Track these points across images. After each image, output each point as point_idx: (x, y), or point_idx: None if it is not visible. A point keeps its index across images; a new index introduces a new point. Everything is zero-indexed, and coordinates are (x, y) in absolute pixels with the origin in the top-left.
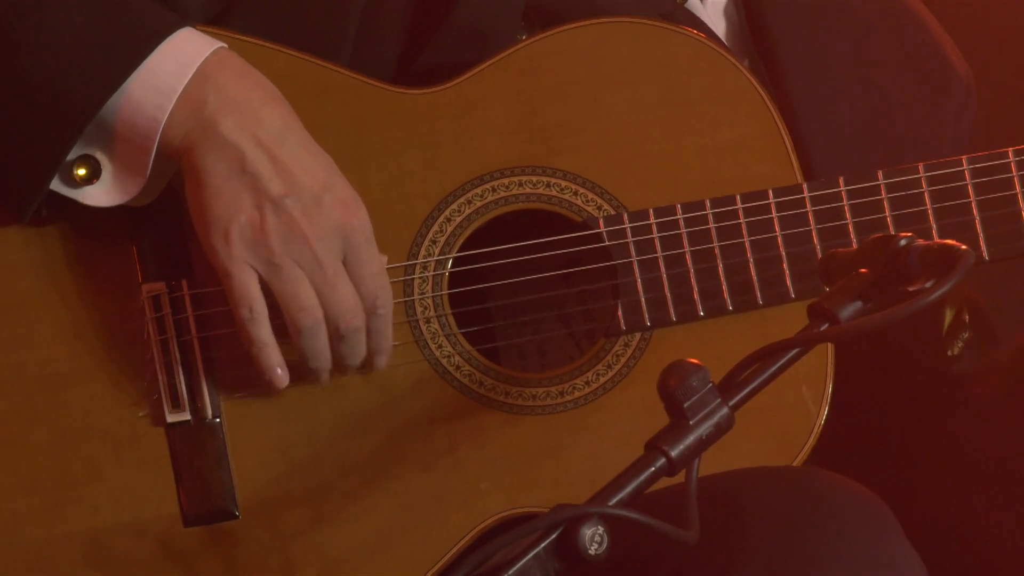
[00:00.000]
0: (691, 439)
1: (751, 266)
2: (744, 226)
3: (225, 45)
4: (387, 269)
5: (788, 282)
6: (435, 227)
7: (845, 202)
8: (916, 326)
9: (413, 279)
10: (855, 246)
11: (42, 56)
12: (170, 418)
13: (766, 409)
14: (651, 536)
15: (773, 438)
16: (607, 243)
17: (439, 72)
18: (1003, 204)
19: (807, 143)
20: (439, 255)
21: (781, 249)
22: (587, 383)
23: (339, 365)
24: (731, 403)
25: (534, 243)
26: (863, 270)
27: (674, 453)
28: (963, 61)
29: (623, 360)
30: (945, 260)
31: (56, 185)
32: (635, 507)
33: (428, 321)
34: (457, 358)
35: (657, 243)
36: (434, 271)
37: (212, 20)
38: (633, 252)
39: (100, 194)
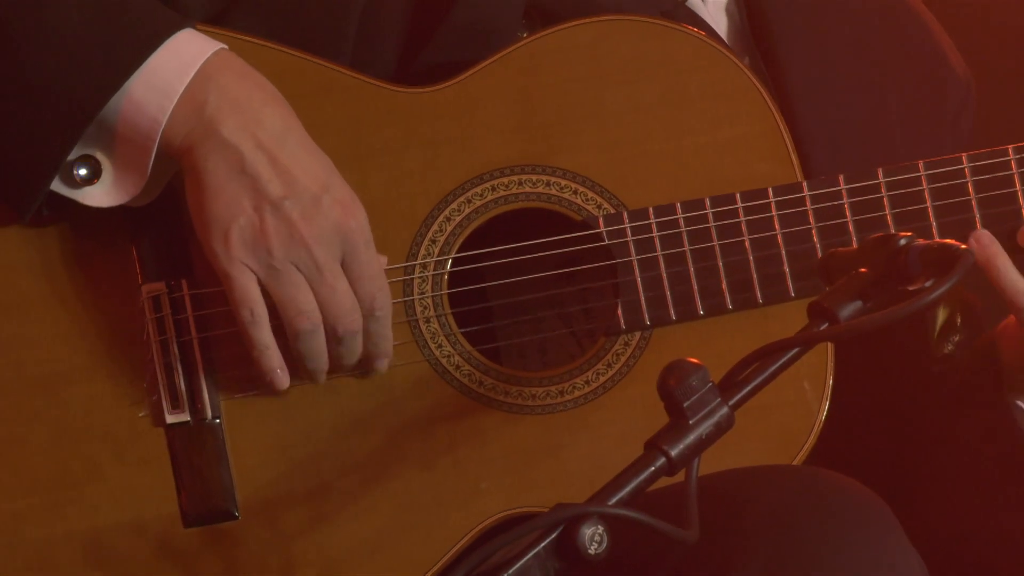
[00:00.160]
0: (691, 438)
1: (751, 264)
2: (744, 224)
3: (226, 46)
4: (387, 269)
5: (788, 280)
6: (435, 226)
7: (845, 200)
8: (916, 325)
9: (413, 279)
10: (855, 244)
11: (43, 56)
12: (170, 418)
13: (766, 408)
14: (651, 536)
15: (773, 437)
16: (607, 242)
17: (440, 71)
18: (1003, 202)
19: (806, 142)
20: (439, 254)
21: (781, 247)
22: (587, 382)
23: (336, 365)
24: (731, 402)
25: (534, 242)
26: (863, 269)
27: (674, 452)
28: (962, 62)
29: (623, 359)
30: (945, 259)
31: (56, 185)
32: (635, 506)
33: (428, 321)
34: (457, 358)
35: (657, 242)
36: (434, 271)
37: (212, 19)
38: (633, 251)
39: (100, 194)
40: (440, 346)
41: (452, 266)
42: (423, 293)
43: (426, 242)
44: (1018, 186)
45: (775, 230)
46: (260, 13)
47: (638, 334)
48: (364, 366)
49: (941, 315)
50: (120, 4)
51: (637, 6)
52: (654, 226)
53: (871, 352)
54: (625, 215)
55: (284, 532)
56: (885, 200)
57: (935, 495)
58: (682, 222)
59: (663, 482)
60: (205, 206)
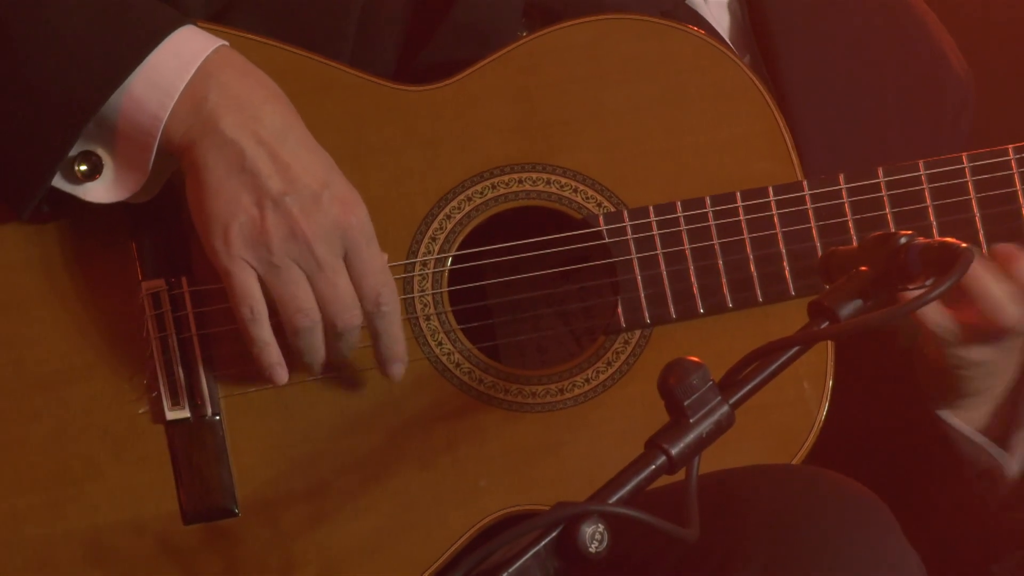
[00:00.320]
0: (691, 437)
1: (751, 263)
2: (744, 223)
3: (227, 43)
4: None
5: (788, 279)
6: (435, 224)
7: (845, 199)
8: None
9: (413, 276)
10: (855, 243)
11: (44, 53)
12: (170, 415)
13: (766, 407)
14: (651, 534)
15: (773, 436)
16: (607, 240)
17: (440, 69)
18: (1003, 201)
19: (805, 141)
20: (439, 252)
21: (781, 246)
22: (587, 380)
23: (335, 360)
24: (731, 401)
25: (534, 240)
26: (863, 268)
27: (674, 451)
28: (963, 62)
29: (623, 357)
30: (945, 258)
31: (57, 181)
32: (635, 505)
33: (428, 319)
34: (457, 356)
35: (657, 240)
36: (434, 268)
37: (213, 17)
38: (633, 249)
39: (101, 191)
40: (440, 344)
41: (452, 264)
42: (423, 291)
43: (426, 240)
44: (1018, 186)
45: (775, 229)
46: (260, 12)
47: (638, 332)
48: (380, 370)
49: None
50: (121, 2)
51: (637, 5)
52: (654, 224)
53: (871, 351)
54: (625, 213)
55: (284, 530)
56: (885, 199)
57: (934, 495)
58: (682, 220)
59: (663, 480)
60: (205, 203)
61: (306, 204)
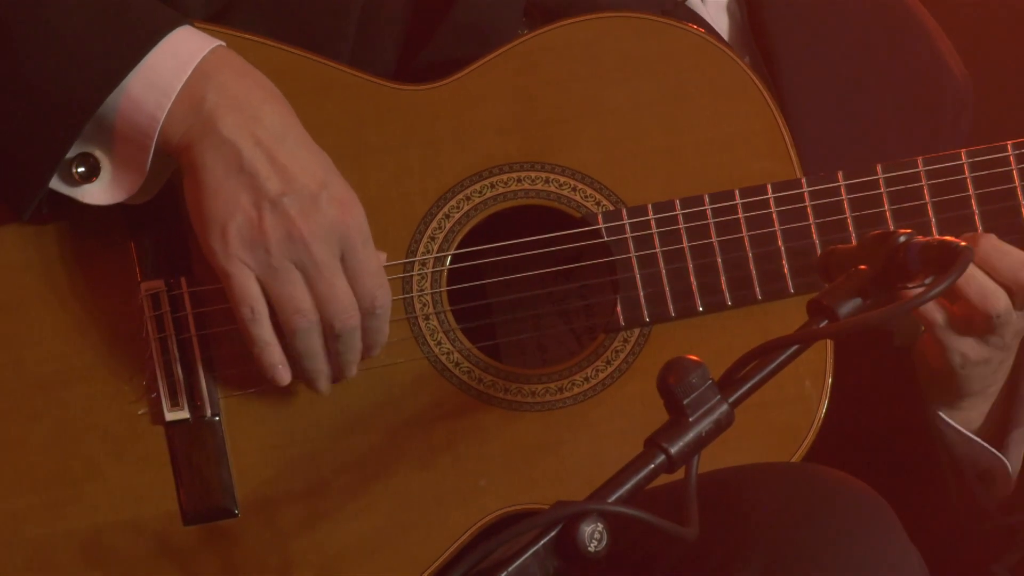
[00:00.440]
0: (690, 436)
1: (750, 261)
2: (743, 221)
3: (224, 43)
4: (386, 266)
5: (787, 277)
6: (434, 223)
7: (844, 197)
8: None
9: (412, 276)
10: (854, 241)
11: (42, 54)
12: (169, 416)
13: (765, 405)
14: (651, 533)
15: (773, 434)
16: (606, 239)
17: (440, 69)
18: (1002, 198)
19: (804, 143)
20: (438, 252)
21: (780, 244)
22: (586, 379)
23: (335, 365)
24: (731, 400)
25: (533, 239)
26: (862, 266)
27: (673, 450)
28: (961, 64)
29: (622, 356)
30: (945, 257)
31: (55, 183)
32: (635, 504)
33: (427, 318)
34: (456, 355)
35: (656, 238)
36: (433, 268)
37: (212, 17)
38: (632, 247)
39: (99, 192)
40: (439, 343)
41: (451, 263)
42: (422, 290)
43: (425, 239)
44: (1017, 182)
45: (774, 227)
46: (260, 12)
47: (637, 331)
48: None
49: None
50: (118, 2)
51: (637, 5)
52: (653, 223)
53: (870, 349)
54: (624, 212)
55: (283, 530)
56: (884, 196)
57: (934, 493)
58: (681, 219)
59: (663, 479)
60: (203, 203)
61: (304, 205)
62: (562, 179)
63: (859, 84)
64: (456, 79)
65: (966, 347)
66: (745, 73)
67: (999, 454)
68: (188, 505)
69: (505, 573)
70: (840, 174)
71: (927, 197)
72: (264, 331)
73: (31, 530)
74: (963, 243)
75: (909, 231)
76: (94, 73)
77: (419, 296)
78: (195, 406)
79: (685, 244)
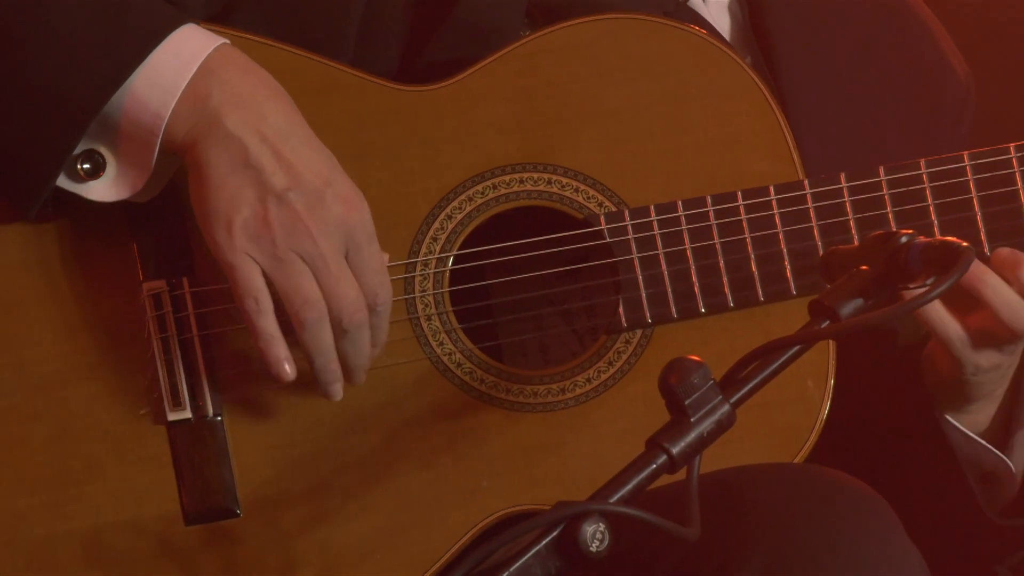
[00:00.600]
0: (692, 436)
1: (752, 262)
2: (745, 222)
3: (228, 41)
4: (388, 266)
5: (789, 278)
6: (436, 224)
7: (847, 198)
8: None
9: (414, 276)
10: (856, 242)
11: (46, 53)
12: (171, 416)
13: (768, 405)
14: (653, 533)
15: (775, 434)
16: (608, 240)
17: (442, 69)
18: (1005, 200)
19: (806, 143)
20: (440, 252)
21: (782, 245)
22: (588, 380)
23: (345, 366)
24: (732, 400)
25: (535, 240)
26: (864, 267)
27: (675, 450)
28: (963, 63)
29: (624, 357)
30: (946, 257)
31: (61, 180)
32: (637, 504)
33: (429, 318)
34: (458, 355)
35: (658, 239)
36: (435, 268)
37: (214, 18)
38: (634, 249)
39: (104, 189)
40: (441, 343)
41: (453, 264)
42: (424, 291)
43: (427, 240)
44: (1019, 184)
45: (776, 228)
46: (261, 12)
47: (639, 332)
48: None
49: None
50: (121, 1)
51: (639, 6)
52: (655, 224)
53: (873, 349)
54: (626, 213)
55: (285, 530)
56: (886, 198)
57: (935, 493)
58: (683, 220)
59: (664, 479)
60: (208, 198)
61: (309, 201)
62: (564, 180)
63: (861, 84)
64: (458, 80)
65: (982, 359)
66: (747, 74)
67: (1003, 456)
68: (190, 505)
69: (507, 573)
70: (843, 176)
71: (929, 199)
72: (269, 323)
73: (32, 530)
74: (964, 244)
75: (911, 232)
76: (99, 71)
77: (421, 296)
78: (197, 406)
79: (687, 245)
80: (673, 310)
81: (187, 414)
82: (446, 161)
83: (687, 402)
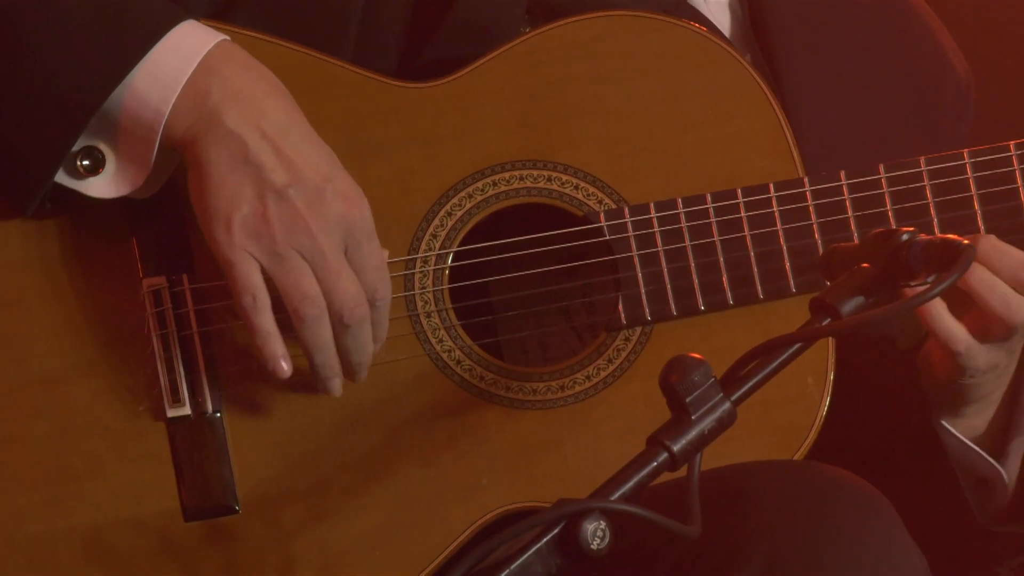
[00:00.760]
0: (693, 434)
1: (752, 260)
2: (745, 220)
3: (228, 38)
4: (388, 263)
5: (789, 276)
6: (436, 221)
7: (846, 196)
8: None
9: (414, 273)
10: (856, 240)
11: (46, 49)
12: (170, 413)
13: (768, 403)
14: (654, 531)
15: (775, 432)
16: (608, 237)
17: (442, 66)
18: (1005, 197)
19: (805, 141)
20: (440, 249)
21: (782, 243)
22: (588, 377)
23: (346, 363)
24: (733, 398)
25: (535, 237)
26: (864, 265)
27: (676, 448)
28: (964, 61)
29: (624, 354)
30: (947, 255)
31: (60, 177)
32: (637, 502)
33: (428, 315)
34: (458, 352)
35: (658, 237)
36: (435, 265)
37: (215, 15)
38: (634, 246)
39: (103, 185)
40: (441, 340)
41: (453, 261)
42: (424, 288)
43: (427, 237)
44: (1019, 182)
45: (776, 225)
46: (261, 9)
47: (639, 329)
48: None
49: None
50: None
51: (639, 3)
52: (655, 221)
53: (873, 348)
54: (626, 210)
55: (284, 527)
56: (887, 196)
57: (936, 492)
58: (683, 217)
59: (665, 477)
60: (208, 195)
61: (309, 197)
62: (564, 177)
63: (861, 82)
64: (458, 77)
65: (979, 359)
66: (747, 71)
67: (996, 464)
68: (189, 502)
69: (507, 571)
70: (842, 173)
71: (929, 197)
72: (266, 320)
73: (32, 527)
74: (966, 241)
75: (911, 229)
76: (99, 68)
77: (421, 293)
78: (196, 402)
79: (687, 243)
80: (673, 307)
81: (187, 411)
82: (446, 158)
83: (688, 400)
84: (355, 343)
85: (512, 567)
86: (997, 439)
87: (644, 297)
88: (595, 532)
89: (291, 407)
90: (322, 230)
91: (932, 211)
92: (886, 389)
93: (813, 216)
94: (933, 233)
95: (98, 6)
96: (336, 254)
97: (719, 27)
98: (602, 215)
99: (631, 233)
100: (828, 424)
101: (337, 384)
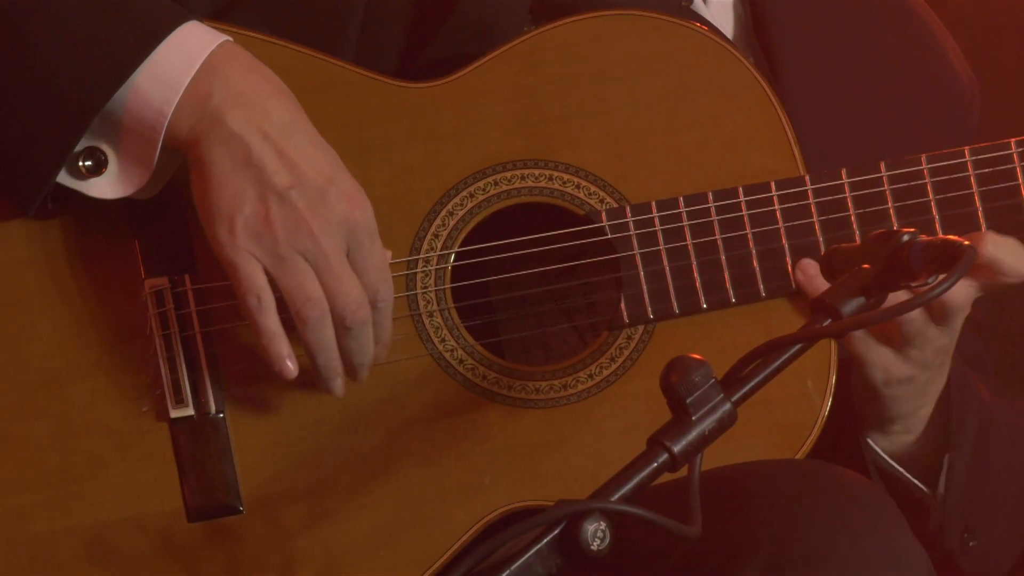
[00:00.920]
0: (693, 435)
1: (754, 258)
2: (747, 218)
3: (231, 39)
4: (390, 263)
5: (791, 274)
6: (438, 221)
7: (848, 194)
8: None
9: (416, 273)
10: (858, 238)
11: (49, 49)
12: (173, 413)
13: (770, 402)
14: (655, 531)
15: (777, 431)
16: (610, 236)
17: (444, 66)
18: (1006, 195)
19: (807, 141)
20: (441, 249)
21: (784, 241)
22: (590, 376)
23: (348, 363)
24: (734, 398)
25: (536, 237)
26: (865, 265)
27: (676, 449)
28: (968, 69)
29: (626, 353)
30: (948, 256)
31: (62, 177)
32: (638, 502)
33: (431, 315)
34: (460, 352)
35: (660, 236)
36: (437, 265)
37: (216, 15)
38: (636, 245)
39: (106, 186)
40: (443, 340)
41: (455, 260)
42: (426, 287)
43: (429, 237)
44: (1020, 179)
45: (778, 224)
46: (263, 10)
47: (641, 328)
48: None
49: None
50: None
51: (642, 6)
52: (657, 220)
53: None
54: (628, 209)
55: (287, 527)
56: (888, 194)
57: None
58: (685, 216)
59: (667, 477)
60: (210, 196)
61: (312, 199)
62: (565, 176)
63: (862, 86)
64: (459, 77)
65: (887, 361)
66: (748, 70)
67: (923, 486)
68: (192, 502)
69: (508, 572)
70: (844, 171)
71: (931, 194)
72: (271, 321)
73: (35, 527)
74: (966, 242)
75: (912, 230)
76: (102, 68)
77: (423, 293)
78: (199, 403)
79: (689, 241)
80: (675, 306)
81: (189, 411)
82: (447, 158)
83: (688, 400)
84: (357, 344)
85: (512, 568)
86: (931, 459)
87: (646, 296)
88: (595, 533)
89: (294, 407)
90: (324, 232)
91: (933, 209)
92: None
93: (815, 214)
94: (935, 231)
95: (101, 6)
96: (338, 256)
97: (722, 29)
98: (604, 214)
99: (633, 232)
100: (830, 422)
101: (339, 384)
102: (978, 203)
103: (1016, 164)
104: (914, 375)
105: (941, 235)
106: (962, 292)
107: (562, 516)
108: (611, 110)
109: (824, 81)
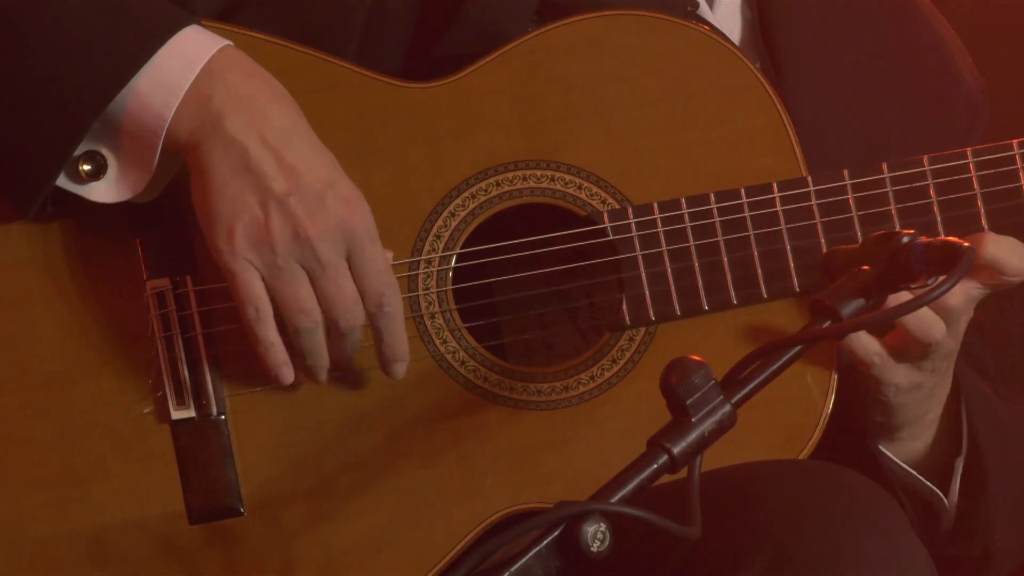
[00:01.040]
0: (693, 436)
1: (756, 259)
2: (748, 220)
3: (231, 43)
4: (392, 265)
5: (793, 275)
6: (439, 222)
7: (850, 195)
8: None
9: (417, 274)
10: (860, 239)
11: (50, 52)
12: (175, 415)
13: (772, 403)
14: (655, 533)
15: (779, 432)
16: (611, 237)
17: (448, 66)
18: (1008, 196)
19: (810, 143)
20: (443, 250)
21: (786, 242)
22: (592, 378)
23: (338, 361)
24: (733, 400)
25: (538, 238)
26: (865, 267)
27: (676, 450)
28: (976, 74)
29: (628, 355)
30: (948, 258)
31: (62, 181)
32: (638, 504)
33: (432, 316)
34: (462, 353)
35: (662, 237)
36: (438, 266)
37: (220, 16)
38: (637, 246)
39: (105, 190)
40: (445, 342)
41: (457, 262)
42: (428, 289)
43: (431, 238)
44: (1022, 180)
45: (780, 225)
46: (266, 10)
47: (642, 329)
48: (382, 369)
49: None
50: (126, 1)
51: (646, 7)
52: (659, 221)
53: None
54: (629, 210)
55: (289, 528)
56: (890, 195)
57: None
58: (687, 217)
59: (668, 478)
60: (210, 203)
61: (310, 204)
62: (567, 177)
63: (866, 87)
64: (461, 77)
65: (899, 377)
66: (750, 70)
67: (935, 488)
68: (194, 504)
69: (508, 573)
70: (846, 173)
71: (933, 196)
72: (268, 331)
73: (37, 529)
74: (966, 243)
75: (912, 231)
76: (102, 72)
77: (424, 294)
78: (201, 405)
79: (691, 243)
80: (677, 307)
81: (191, 413)
82: (449, 158)
83: (688, 402)
84: (348, 343)
85: (512, 569)
86: (940, 463)
87: (648, 297)
88: (595, 534)
89: (295, 408)
90: (323, 238)
91: (936, 210)
92: None
93: (817, 215)
94: (937, 232)
95: (102, 9)
96: (336, 263)
97: (728, 32)
98: (606, 215)
99: (635, 233)
100: (832, 423)
101: (323, 376)
102: (980, 204)
103: (1018, 165)
104: (922, 382)
105: (942, 236)
106: (964, 294)
107: (562, 518)
108: (613, 110)
109: (828, 82)
